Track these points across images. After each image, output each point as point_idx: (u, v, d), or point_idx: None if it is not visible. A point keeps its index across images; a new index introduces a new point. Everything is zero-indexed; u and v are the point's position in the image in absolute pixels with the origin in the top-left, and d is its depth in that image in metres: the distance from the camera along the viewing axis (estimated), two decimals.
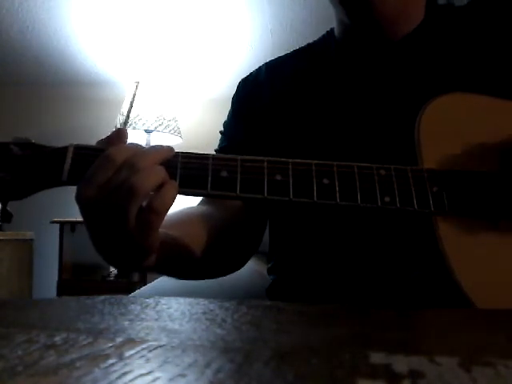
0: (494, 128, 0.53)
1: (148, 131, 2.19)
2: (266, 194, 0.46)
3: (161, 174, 0.44)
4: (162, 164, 0.45)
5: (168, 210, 0.44)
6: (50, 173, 0.47)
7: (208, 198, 0.68)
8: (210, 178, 0.46)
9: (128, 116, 2.16)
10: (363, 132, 0.62)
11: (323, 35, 0.76)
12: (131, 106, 2.17)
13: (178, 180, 0.46)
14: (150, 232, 0.44)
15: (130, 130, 2.17)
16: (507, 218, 0.48)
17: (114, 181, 0.42)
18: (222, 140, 0.77)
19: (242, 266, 0.71)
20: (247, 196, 0.46)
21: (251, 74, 0.78)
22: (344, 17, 0.67)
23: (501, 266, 0.47)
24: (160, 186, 0.43)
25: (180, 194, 0.47)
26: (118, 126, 2.17)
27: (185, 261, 0.58)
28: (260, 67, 0.78)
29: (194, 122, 2.52)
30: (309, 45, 0.77)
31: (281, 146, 0.66)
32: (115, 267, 0.54)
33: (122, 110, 2.22)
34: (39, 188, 0.48)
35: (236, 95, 0.79)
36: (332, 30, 0.74)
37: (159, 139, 2.30)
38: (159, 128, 2.17)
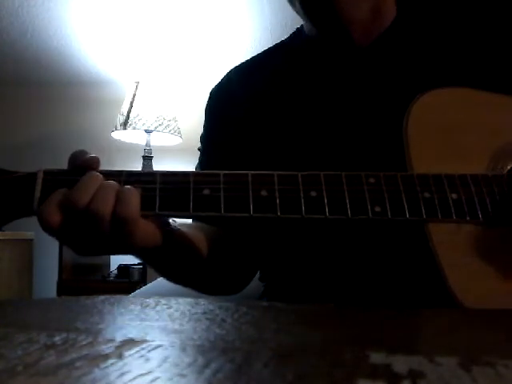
0: (483, 121, 0.52)
1: (148, 131, 2.19)
2: (252, 213, 0.44)
3: (110, 188, 0.42)
4: (140, 186, 0.43)
5: (136, 214, 0.42)
6: (18, 203, 0.43)
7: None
8: (191, 198, 0.44)
9: (128, 116, 2.16)
10: (345, 137, 0.60)
11: (294, 33, 0.72)
12: (131, 106, 2.17)
13: (157, 203, 0.43)
14: (129, 239, 0.43)
15: (129, 130, 2.17)
16: (500, 222, 0.47)
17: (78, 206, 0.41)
18: (200, 157, 0.73)
19: (243, 286, 0.68)
20: (233, 215, 0.44)
21: (222, 80, 0.75)
22: (309, 24, 0.64)
23: (494, 272, 0.46)
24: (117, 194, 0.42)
25: (160, 216, 0.45)
26: (118, 126, 2.17)
27: (191, 257, 0.57)
28: (229, 73, 0.75)
29: (194, 122, 2.52)
30: (279, 44, 0.73)
31: (261, 154, 0.63)
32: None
33: (122, 110, 2.22)
34: (7, 219, 0.44)
35: (209, 105, 0.74)
36: (302, 27, 0.70)
37: (159, 139, 2.30)
38: (159, 128, 2.17)
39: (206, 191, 0.44)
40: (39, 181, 0.43)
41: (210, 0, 1.94)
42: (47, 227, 0.41)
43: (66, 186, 0.43)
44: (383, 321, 0.33)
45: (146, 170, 0.46)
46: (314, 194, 0.45)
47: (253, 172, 0.45)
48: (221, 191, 0.44)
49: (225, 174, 0.45)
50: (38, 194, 0.43)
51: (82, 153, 0.45)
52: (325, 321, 0.33)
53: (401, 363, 0.19)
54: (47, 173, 0.44)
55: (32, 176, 0.44)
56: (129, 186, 0.43)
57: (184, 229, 0.55)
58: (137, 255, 0.50)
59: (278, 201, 0.44)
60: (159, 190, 0.44)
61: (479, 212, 0.46)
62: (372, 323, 0.32)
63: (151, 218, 0.45)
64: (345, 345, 0.24)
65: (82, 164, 0.44)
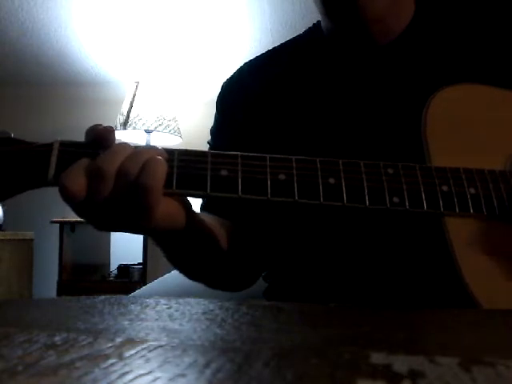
0: (501, 118, 0.52)
1: (148, 131, 2.19)
2: (269, 196, 0.43)
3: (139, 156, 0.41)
4: None
5: (161, 183, 0.41)
6: (33, 172, 0.42)
7: (211, 209, 0.65)
8: (209, 178, 0.43)
9: (128, 116, 2.16)
10: (362, 131, 0.60)
11: (309, 28, 0.72)
12: (131, 106, 2.17)
13: (174, 180, 0.43)
14: (149, 212, 0.42)
15: (130, 130, 2.18)
16: None
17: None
18: (209, 149, 0.71)
19: (250, 283, 0.68)
20: (250, 197, 0.43)
21: (234, 74, 0.75)
22: (327, 21, 0.65)
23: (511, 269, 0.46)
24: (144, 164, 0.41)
25: (178, 195, 0.45)
26: (118, 126, 2.17)
27: (210, 246, 0.56)
28: (242, 67, 0.74)
29: (194, 122, 2.52)
30: (294, 39, 0.73)
31: (274, 145, 0.63)
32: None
33: (122, 110, 2.22)
34: (21, 189, 0.43)
35: (221, 98, 0.74)
36: (319, 22, 0.70)
37: (159, 139, 2.30)
38: (159, 128, 2.17)
39: (224, 172, 0.43)
40: (55, 152, 0.43)
41: (210, 0, 1.94)
42: (68, 193, 0.40)
43: (82, 157, 0.42)
44: (383, 321, 0.33)
45: (164, 147, 0.45)
46: (332, 181, 0.44)
47: (271, 155, 0.45)
48: (238, 173, 0.44)
49: (242, 156, 0.45)
50: (53, 164, 0.42)
51: (97, 125, 0.44)
52: (325, 321, 0.33)
53: (401, 363, 0.19)
54: (64, 144, 0.43)
55: (48, 146, 0.43)
56: (158, 157, 0.42)
57: (204, 218, 0.54)
58: (156, 236, 0.49)
59: (295, 185, 0.44)
60: (177, 167, 0.43)
61: (496, 208, 0.46)
62: (372, 323, 0.32)
63: (174, 197, 0.45)
64: (345, 345, 0.24)
65: (97, 135, 0.43)
